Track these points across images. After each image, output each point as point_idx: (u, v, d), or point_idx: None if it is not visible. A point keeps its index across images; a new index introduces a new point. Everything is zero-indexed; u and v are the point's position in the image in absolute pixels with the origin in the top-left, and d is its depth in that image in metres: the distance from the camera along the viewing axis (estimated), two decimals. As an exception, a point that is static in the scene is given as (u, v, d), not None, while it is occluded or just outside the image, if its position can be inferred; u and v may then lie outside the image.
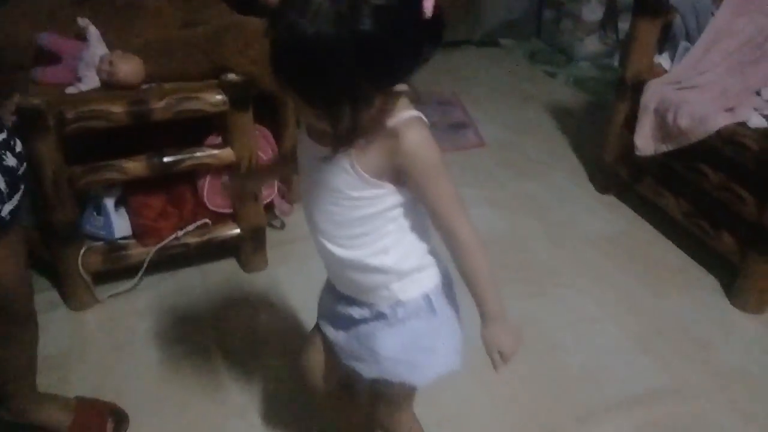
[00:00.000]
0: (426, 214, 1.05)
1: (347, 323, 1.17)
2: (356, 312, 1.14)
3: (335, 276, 1.16)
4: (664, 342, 1.90)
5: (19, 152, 1.20)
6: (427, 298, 1.11)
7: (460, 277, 1.07)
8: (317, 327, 1.28)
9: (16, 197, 1.17)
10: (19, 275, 1.29)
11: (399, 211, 1.04)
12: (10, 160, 1.16)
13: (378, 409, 1.31)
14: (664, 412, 1.67)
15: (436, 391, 1.68)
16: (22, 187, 1.19)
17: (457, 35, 4.11)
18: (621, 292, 2.09)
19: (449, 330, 1.15)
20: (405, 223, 1.06)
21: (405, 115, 0.96)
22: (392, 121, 0.96)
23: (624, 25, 3.68)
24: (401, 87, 0.94)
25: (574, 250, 2.29)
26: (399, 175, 0.99)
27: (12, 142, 1.19)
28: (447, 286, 1.15)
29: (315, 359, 1.31)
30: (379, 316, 1.12)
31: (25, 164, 1.21)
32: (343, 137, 0.93)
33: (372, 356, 1.14)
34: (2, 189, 1.13)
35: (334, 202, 1.03)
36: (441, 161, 0.98)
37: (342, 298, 1.16)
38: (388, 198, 1.02)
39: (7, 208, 1.15)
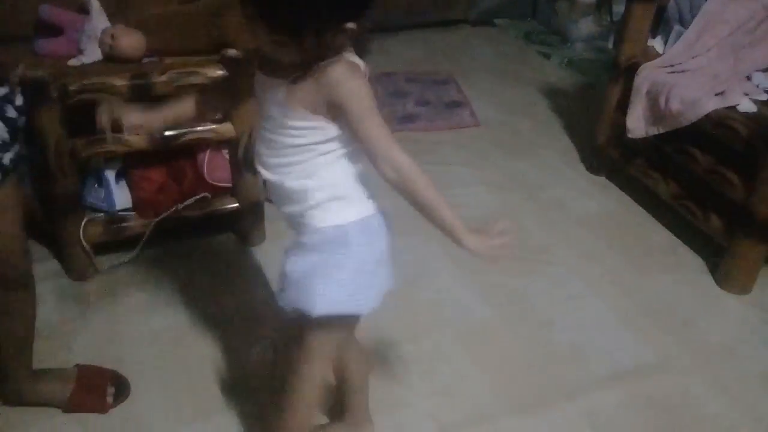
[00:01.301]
0: (360, 154, 1.11)
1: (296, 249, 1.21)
2: (305, 239, 1.18)
3: (277, 201, 1.22)
4: (651, 319, 1.96)
5: (19, 105, 1.25)
6: (342, 229, 1.14)
7: (414, 209, 1.10)
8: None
9: (16, 147, 1.23)
10: (13, 234, 1.30)
11: (331, 146, 1.11)
12: (11, 112, 1.22)
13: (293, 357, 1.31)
14: (650, 387, 1.73)
15: (428, 363, 1.75)
16: (21, 137, 1.25)
17: (452, 14, 4.13)
18: (610, 270, 2.15)
19: (359, 267, 1.17)
20: (335, 157, 1.12)
21: (342, 59, 1.05)
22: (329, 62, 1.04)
23: (619, 7, 3.70)
24: (351, 26, 1.02)
25: (564, 229, 2.34)
26: (331, 111, 1.06)
27: (12, 96, 1.24)
28: (376, 227, 1.18)
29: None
30: (298, 243, 1.18)
31: (24, 117, 1.27)
32: (300, 65, 1.04)
33: (283, 281, 1.20)
34: (5, 139, 1.20)
35: (271, 129, 1.12)
36: (369, 95, 1.05)
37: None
38: (319, 132, 1.09)
39: (8, 156, 1.21)
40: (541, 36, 4.08)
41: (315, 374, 1.29)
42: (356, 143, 1.09)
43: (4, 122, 1.20)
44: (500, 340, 1.86)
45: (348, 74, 1.04)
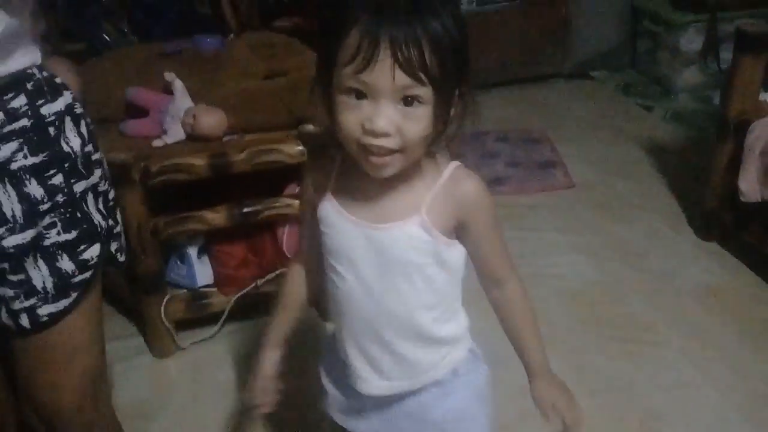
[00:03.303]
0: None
1: (384, 404, 1.08)
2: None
3: (386, 363, 1.04)
4: (774, 411, 1.73)
5: (85, 260, 1.02)
6: (472, 349, 1.09)
7: (505, 331, 1.05)
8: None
9: (63, 302, 1.01)
10: (72, 377, 1.08)
11: (461, 271, 1.00)
12: (66, 264, 1.00)
13: None
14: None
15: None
16: (75, 294, 1.02)
17: (546, 68, 4.00)
18: (724, 352, 1.92)
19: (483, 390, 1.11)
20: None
21: (450, 162, 0.95)
22: (442, 167, 0.94)
23: (727, 54, 3.46)
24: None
25: (671, 303, 2.13)
26: (457, 229, 0.96)
27: (83, 246, 1.01)
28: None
29: None
30: (433, 384, 1.05)
31: (89, 273, 1.03)
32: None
33: (433, 427, 1.07)
34: (47, 288, 0.98)
35: (405, 279, 0.96)
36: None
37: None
38: (456, 256, 0.97)
39: (47, 309, 1.00)
40: (641, 87, 3.88)
41: None
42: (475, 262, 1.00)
43: (51, 272, 0.99)
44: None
45: (486, 190, 0.96)
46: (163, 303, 1.92)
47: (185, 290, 1.98)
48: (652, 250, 2.41)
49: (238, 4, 2.86)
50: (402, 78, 0.81)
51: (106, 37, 2.59)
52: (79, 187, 1.01)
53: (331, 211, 0.97)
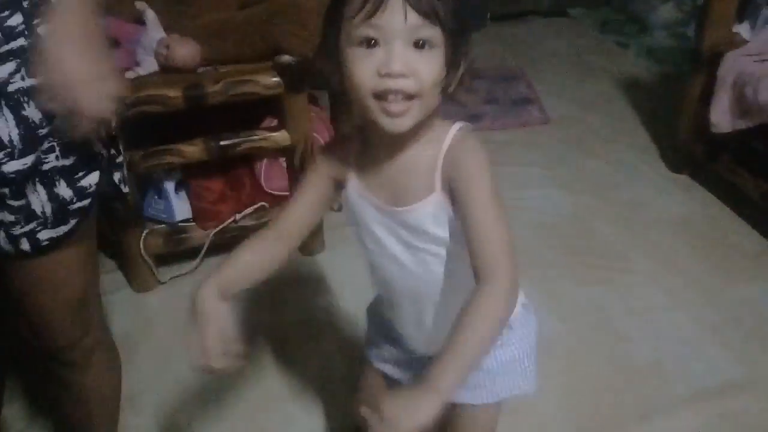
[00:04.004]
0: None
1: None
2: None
3: (432, 333, 1.03)
4: (740, 332, 1.80)
5: (83, 187, 1.01)
6: (525, 303, 1.09)
7: (455, 324, 0.83)
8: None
9: (62, 228, 1.01)
10: (54, 308, 1.09)
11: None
12: (63, 190, 0.99)
13: None
14: (739, 408, 1.59)
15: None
16: (73, 221, 1.01)
17: (523, 5, 3.98)
18: (693, 278, 1.99)
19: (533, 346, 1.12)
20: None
21: (453, 125, 0.92)
22: (447, 130, 0.91)
23: (702, -10, 3.47)
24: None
25: (643, 233, 2.19)
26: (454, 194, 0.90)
27: (80, 173, 1.00)
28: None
29: None
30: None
31: (87, 200, 1.02)
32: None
33: (486, 374, 1.07)
34: (47, 213, 0.98)
35: (431, 252, 0.95)
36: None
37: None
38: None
39: (47, 234, 1.00)
40: (617, 25, 3.88)
41: None
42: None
43: (50, 197, 0.98)
44: (571, 355, 1.74)
45: (478, 142, 0.91)
46: (142, 237, 1.92)
47: (164, 225, 1.99)
48: (625, 182, 2.45)
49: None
50: (414, 17, 0.80)
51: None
52: None
53: (354, 192, 0.98)
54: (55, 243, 1.01)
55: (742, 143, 2.20)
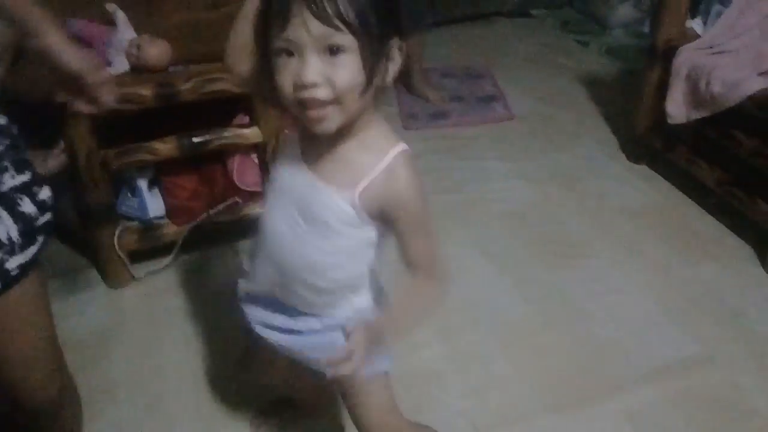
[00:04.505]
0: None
1: (293, 332, 1.13)
2: (302, 325, 1.11)
3: (281, 290, 1.10)
4: (697, 311, 1.88)
5: (43, 200, 0.99)
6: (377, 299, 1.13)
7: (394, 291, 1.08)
8: (254, 337, 1.19)
9: (31, 250, 0.97)
10: (38, 348, 1.04)
11: (372, 245, 1.04)
12: (28, 207, 0.96)
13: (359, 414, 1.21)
14: (696, 382, 1.67)
15: (462, 362, 1.72)
16: (41, 239, 0.99)
17: (488, 6, 4.05)
18: (652, 262, 2.07)
19: None
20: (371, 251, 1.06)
21: (396, 146, 0.96)
22: (388, 148, 0.95)
23: (659, -10, 3.58)
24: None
25: (604, 221, 2.27)
26: (383, 218, 0.98)
27: (36, 188, 0.99)
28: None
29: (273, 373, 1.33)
30: (334, 327, 1.09)
31: (49, 214, 1.00)
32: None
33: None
34: (13, 238, 0.93)
35: (320, 235, 1.00)
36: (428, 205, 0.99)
37: (284, 310, 1.12)
38: (372, 235, 1.01)
39: (16, 260, 0.94)
40: (578, 24, 3.98)
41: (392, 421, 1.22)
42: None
43: (14, 218, 0.94)
44: (536, 337, 1.81)
45: (415, 185, 0.96)
46: (116, 234, 1.94)
47: (137, 222, 2.01)
48: (587, 174, 2.54)
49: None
50: (318, 27, 0.83)
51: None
52: (14, 129, 0.98)
53: (291, 151, 1.03)
54: (24, 271, 0.96)
55: (697, 133, 2.29)
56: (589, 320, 1.85)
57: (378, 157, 0.95)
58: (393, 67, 0.93)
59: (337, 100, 0.88)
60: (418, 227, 0.98)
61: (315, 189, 0.99)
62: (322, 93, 0.86)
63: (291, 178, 1.03)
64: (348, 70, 0.86)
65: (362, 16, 0.84)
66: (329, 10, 0.82)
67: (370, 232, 1.01)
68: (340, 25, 0.83)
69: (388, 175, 0.95)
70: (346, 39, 0.84)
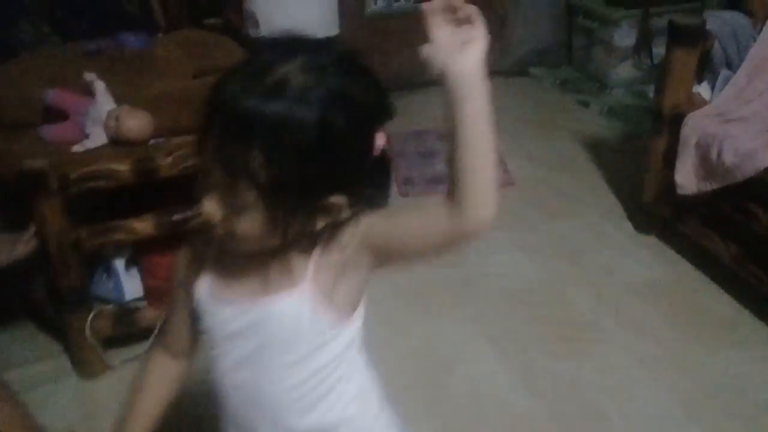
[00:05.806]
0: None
1: None
2: None
3: None
4: (717, 405, 1.73)
5: None
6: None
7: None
8: None
9: None
10: None
11: (355, 343, 0.88)
12: None
13: None
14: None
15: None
16: None
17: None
18: (667, 347, 1.93)
19: None
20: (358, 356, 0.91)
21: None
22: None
23: (659, 49, 3.51)
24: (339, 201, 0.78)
25: (613, 299, 2.13)
26: (378, 257, 0.81)
27: None
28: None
29: None
30: None
31: None
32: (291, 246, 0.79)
33: None
34: None
35: (286, 364, 0.84)
36: None
37: None
38: (341, 340, 0.85)
39: None
40: (578, 83, 3.91)
41: None
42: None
43: None
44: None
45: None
46: (89, 320, 1.80)
47: (113, 305, 1.87)
48: (592, 245, 2.41)
49: (168, 2, 2.74)
50: (218, 168, 0.72)
51: (23, 37, 2.43)
52: None
53: (207, 292, 0.87)
54: None
55: (710, 205, 2.17)
56: (604, 419, 1.70)
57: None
58: (328, 219, 0.78)
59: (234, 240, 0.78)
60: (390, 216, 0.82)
61: (258, 306, 0.83)
62: (220, 230, 0.76)
63: (220, 317, 0.87)
64: (249, 224, 0.75)
65: (276, 174, 0.71)
66: (238, 159, 0.71)
67: (338, 337, 0.84)
68: (244, 179, 0.72)
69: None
70: (248, 193, 0.73)
